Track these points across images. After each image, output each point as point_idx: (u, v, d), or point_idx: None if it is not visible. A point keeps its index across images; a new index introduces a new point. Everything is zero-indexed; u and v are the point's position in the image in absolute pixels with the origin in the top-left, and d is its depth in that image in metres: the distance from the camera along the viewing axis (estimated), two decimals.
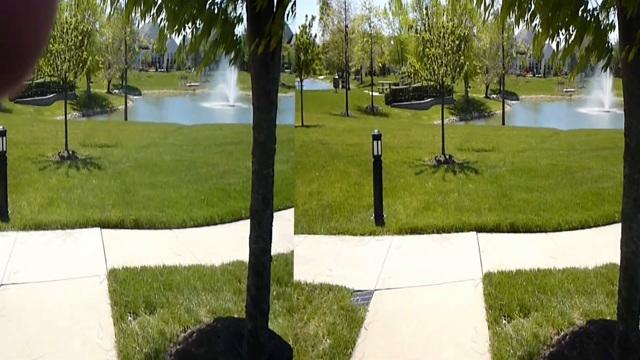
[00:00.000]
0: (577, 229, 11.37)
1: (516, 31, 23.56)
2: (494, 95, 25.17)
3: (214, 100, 23.85)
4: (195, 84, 25.45)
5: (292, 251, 9.70)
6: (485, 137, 18.60)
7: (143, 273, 8.32)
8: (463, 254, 10.13)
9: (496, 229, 11.29)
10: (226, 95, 23.96)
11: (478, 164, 15.46)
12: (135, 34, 21.27)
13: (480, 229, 11.25)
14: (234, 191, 12.56)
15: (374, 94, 23.07)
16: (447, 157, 15.80)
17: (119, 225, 10.14)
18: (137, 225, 10.21)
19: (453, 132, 18.17)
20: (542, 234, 11.15)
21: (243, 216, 11.75)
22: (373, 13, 23.85)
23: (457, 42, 15.58)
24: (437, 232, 11.17)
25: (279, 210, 10.46)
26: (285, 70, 26.25)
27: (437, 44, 15.70)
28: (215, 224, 11.20)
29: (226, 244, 10.02)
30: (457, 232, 11.16)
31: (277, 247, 7.94)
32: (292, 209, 11.76)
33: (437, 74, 15.60)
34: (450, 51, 15.57)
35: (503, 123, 22.98)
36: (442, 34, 15.57)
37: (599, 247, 10.22)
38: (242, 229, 11.02)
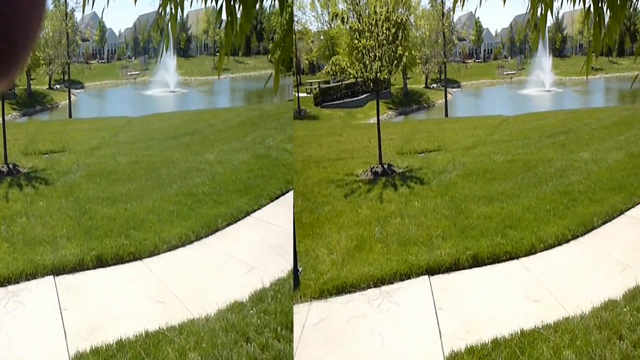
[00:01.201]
0: (553, 246, 8.43)
1: (455, 17, 19.65)
2: (434, 85, 21.15)
3: (155, 87, 19.93)
4: (136, 72, 21.46)
5: None
6: (429, 134, 14.79)
7: (120, 355, 4.83)
8: (409, 320, 6.84)
9: (454, 265, 7.86)
10: (166, 81, 20.03)
11: (423, 171, 11.64)
12: (75, 26, 17.33)
13: (433, 270, 7.78)
14: (202, 194, 8.99)
15: (301, 94, 19.04)
16: (386, 166, 11.71)
17: (78, 266, 6.52)
18: (100, 262, 6.66)
19: (392, 131, 14.62)
20: (514, 261, 8.03)
21: (220, 226, 7.92)
22: (297, 6, 19.74)
23: (392, 30, 11.68)
24: (375, 285, 7.44)
25: None
26: (217, 54, 22.22)
27: (369, 34, 11.86)
28: (191, 241, 7.49)
29: (212, 273, 7.81)
30: (403, 279, 7.59)
31: None
32: None
33: (370, 69, 11.67)
34: (385, 41, 11.66)
35: (446, 114, 18.83)
36: (374, 22, 11.75)
37: (586, 269, 7.85)
38: (222, 245, 7.70)
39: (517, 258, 7.85)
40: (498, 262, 7.76)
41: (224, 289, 6.81)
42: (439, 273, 7.55)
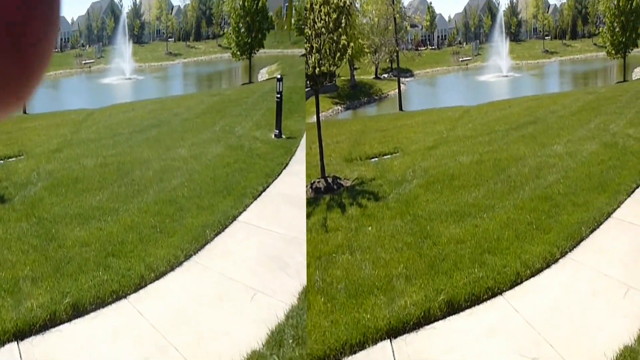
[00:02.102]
0: (541, 269, 6.28)
1: (406, 1, 17.18)
2: (385, 75, 17.60)
3: (111, 75, 17.23)
4: (91, 61, 18.71)
5: None
6: (382, 133, 11.61)
7: None
8: None
9: (424, 318, 5.47)
10: (122, 69, 17.37)
11: (377, 182, 8.67)
12: None
13: (396, 331, 5.33)
14: (183, 199, 6.80)
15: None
16: (330, 180, 8.77)
17: (49, 322, 4.28)
18: (75, 311, 4.40)
19: (338, 131, 11.70)
20: (498, 298, 5.79)
21: (209, 238, 5.59)
22: None
23: (333, 15, 8.75)
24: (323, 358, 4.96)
25: None
26: (169, 39, 19.70)
27: (306, 23, 9.29)
28: (181, 262, 5.24)
29: (213, 306, 5.86)
30: (355, 351, 5.06)
31: None
32: None
33: (307, 63, 9.13)
34: (324, 29, 8.77)
35: (400, 107, 15.28)
36: (309, 6, 9.09)
37: (586, 299, 5.81)
38: (216, 263, 5.79)
39: (501, 293, 5.85)
40: (478, 302, 5.71)
41: (231, 330, 4.85)
42: (403, 333, 5.32)
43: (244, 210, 7.83)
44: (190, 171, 8.84)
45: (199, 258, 6.43)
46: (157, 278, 5.87)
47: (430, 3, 20.42)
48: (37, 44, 0.42)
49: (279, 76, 11.03)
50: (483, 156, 9.62)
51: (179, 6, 21.65)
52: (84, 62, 20.40)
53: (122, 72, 19.69)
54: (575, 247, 6.66)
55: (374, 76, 16.97)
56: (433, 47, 19.36)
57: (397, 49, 15.96)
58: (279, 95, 10.93)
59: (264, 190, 8.52)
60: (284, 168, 9.46)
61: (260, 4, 18.00)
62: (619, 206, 7.71)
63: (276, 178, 9.04)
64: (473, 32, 19.17)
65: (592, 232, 7.05)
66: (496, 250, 6.52)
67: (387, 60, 17.34)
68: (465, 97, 16.67)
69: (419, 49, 19.30)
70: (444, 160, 9.47)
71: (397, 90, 15.64)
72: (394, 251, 6.61)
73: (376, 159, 9.91)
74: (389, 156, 10.04)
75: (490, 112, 13.25)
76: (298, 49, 21.94)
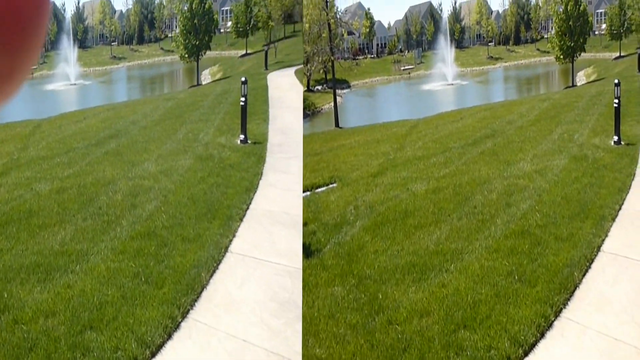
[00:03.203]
0: (535, 343, 4.19)
1: (341, 7, 14.78)
2: (319, 87, 14.55)
3: (56, 81, 14.20)
4: (33, 66, 14.71)
5: None
6: (315, 157, 8.73)
7: None
8: None
9: None
10: (67, 74, 14.41)
11: (310, 229, 6.10)
12: None
13: None
14: (163, 229, 4.36)
15: None
16: None
17: None
18: None
19: None
20: None
21: (205, 283, 2.97)
22: None
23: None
24: None
25: None
26: (112, 43, 16.76)
27: None
28: (178, 324, 2.82)
29: None
30: None
31: None
32: None
33: None
34: None
35: (337, 124, 12.21)
36: None
37: None
38: (219, 320, 3.83)
39: None
40: None
41: None
42: None
43: (234, 236, 5.82)
44: (164, 191, 6.70)
45: (199, 314, 4.42)
46: (153, 355, 3.81)
47: (369, 9, 18.01)
48: (25, 31, 0.33)
49: (243, 79, 8.96)
50: (440, 182, 7.31)
51: (122, 10, 19.16)
52: None
53: (67, 78, 16.89)
54: (568, 298, 4.75)
55: (306, 89, 14.07)
56: (372, 56, 16.99)
57: (332, 58, 13.36)
58: (243, 99, 8.84)
59: (248, 207, 6.52)
60: (261, 179, 7.45)
61: (207, 5, 15.60)
62: (607, 235, 5.85)
63: (256, 191, 7.02)
64: (415, 40, 17.06)
65: (584, 274, 5.17)
66: (474, 323, 4.44)
67: (321, 71, 14.84)
68: (410, 108, 14.45)
69: (357, 57, 16.84)
70: (394, 191, 7.04)
71: (332, 104, 12.76)
72: (331, 340, 4.28)
73: (307, 193, 7.14)
74: (323, 188, 7.37)
75: (442, 126, 10.78)
76: (235, 50, 19.56)
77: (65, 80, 16.29)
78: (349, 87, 14.47)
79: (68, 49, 17.20)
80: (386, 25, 18.09)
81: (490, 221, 6.04)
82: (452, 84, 15.39)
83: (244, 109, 8.93)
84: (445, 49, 15.66)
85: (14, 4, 0.36)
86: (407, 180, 7.46)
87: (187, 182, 7.04)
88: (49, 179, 7.24)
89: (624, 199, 6.67)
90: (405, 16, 17.91)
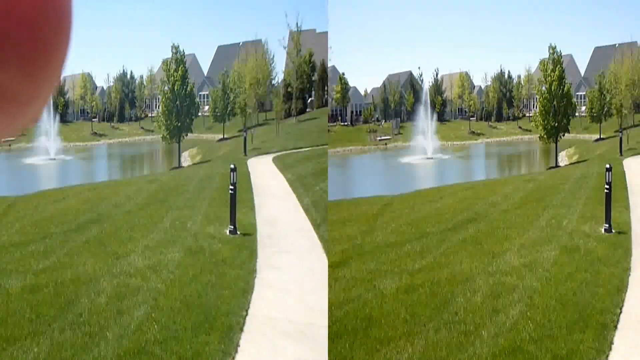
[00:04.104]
0: None
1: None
2: None
3: (35, 154, 12.56)
4: (11, 138, 13.54)
5: None
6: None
7: None
8: None
9: None
10: (47, 148, 12.85)
11: None
12: None
13: None
14: (156, 345, 2.83)
15: None
16: None
17: None
18: None
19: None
20: None
21: None
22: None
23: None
24: None
25: None
26: (93, 119, 15.42)
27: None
28: None
29: None
30: None
31: None
32: None
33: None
34: None
35: None
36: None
37: None
38: None
39: None
40: None
41: None
42: None
43: (236, 352, 4.55)
44: (154, 292, 5.40)
45: None
46: None
47: (343, 74, 16.48)
48: (51, 46, 0.27)
49: (232, 166, 7.89)
50: (415, 278, 5.84)
51: (103, 87, 18.09)
52: (3, 140, 15.72)
53: (46, 152, 15.36)
54: None
55: None
56: (345, 123, 15.43)
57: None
58: (232, 187, 7.72)
59: (247, 313, 5.28)
60: (256, 277, 6.24)
61: (188, 88, 14.71)
62: (610, 348, 4.61)
63: (253, 293, 5.80)
64: (393, 109, 15.54)
65: None
66: None
67: None
68: (386, 182, 12.93)
69: (329, 125, 15.40)
70: (357, 289, 5.58)
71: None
72: None
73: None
74: None
75: (419, 206, 9.26)
76: (212, 134, 18.56)
77: (45, 155, 14.78)
78: None
79: (48, 122, 15.81)
80: (362, 92, 16.41)
81: (474, 333, 4.65)
82: (432, 158, 13.77)
83: (233, 197, 7.81)
84: (425, 121, 14.18)
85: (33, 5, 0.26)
86: (374, 275, 5.91)
87: (179, 280, 5.76)
88: (21, 272, 5.80)
89: (624, 300, 5.73)
90: (384, 84, 16.39)
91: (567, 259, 6.48)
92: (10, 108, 0.28)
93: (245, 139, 13.93)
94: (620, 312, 5.31)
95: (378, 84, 17.47)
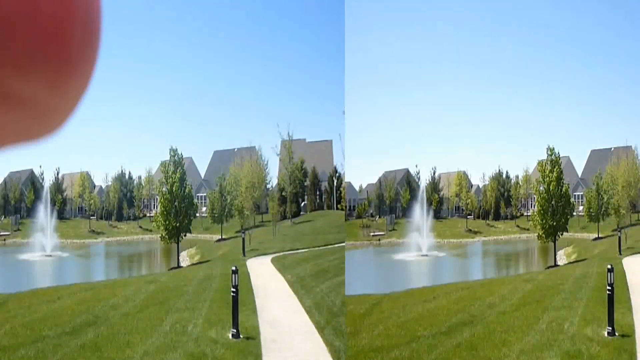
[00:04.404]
0: None
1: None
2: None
3: (30, 250, 11.97)
4: (6, 233, 13.40)
5: None
6: None
7: None
8: None
9: None
10: (42, 244, 12.23)
11: None
12: None
13: None
14: None
15: None
16: None
17: None
18: None
19: None
20: None
21: None
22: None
23: None
24: None
25: None
26: (91, 217, 15.07)
27: None
28: None
29: None
30: None
31: None
32: None
33: None
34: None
35: None
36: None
37: None
38: None
39: None
40: None
41: None
42: None
43: None
44: None
45: None
46: None
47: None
48: (78, 56, 0.26)
49: (234, 268, 7.46)
50: None
51: (101, 186, 18.28)
52: (18, 145, 15.46)
53: (42, 248, 14.78)
54: None
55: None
56: None
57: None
58: (234, 290, 7.23)
59: None
60: None
61: (187, 189, 14.57)
62: None
63: None
64: (388, 205, 15.24)
65: None
66: None
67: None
68: (379, 279, 12.19)
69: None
70: None
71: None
72: None
73: None
74: None
75: (410, 306, 8.47)
76: (209, 234, 18.22)
77: (41, 251, 14.26)
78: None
79: (45, 219, 15.47)
80: (357, 188, 16.07)
81: None
82: (427, 255, 13.14)
83: (235, 300, 7.29)
84: (421, 218, 13.63)
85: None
86: None
87: None
88: None
89: None
90: (379, 180, 16.13)
91: None
92: (30, 117, 0.26)
93: (243, 240, 13.58)
94: None
95: (373, 180, 17.33)
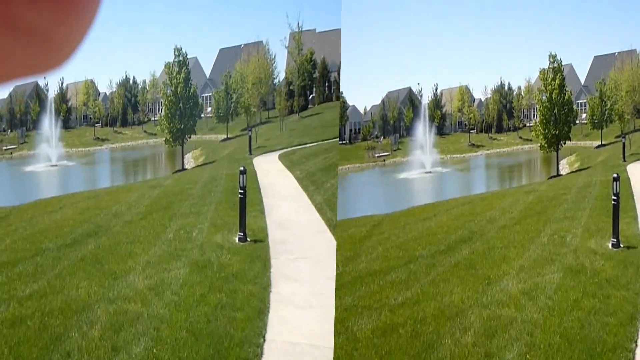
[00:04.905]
0: None
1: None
2: None
3: (36, 162, 11.27)
4: (12, 146, 12.59)
5: None
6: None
7: None
8: None
9: None
10: (48, 155, 11.54)
11: None
12: None
13: None
14: None
15: None
16: None
17: None
18: None
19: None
20: None
21: None
22: None
23: None
24: None
25: None
26: (96, 125, 15.63)
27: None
28: None
29: None
30: None
31: None
32: None
33: None
34: None
35: None
36: None
37: None
38: None
39: None
40: None
41: None
42: None
43: None
44: (155, 320, 4.40)
45: None
46: None
47: (342, 93, 15.73)
48: None
49: (242, 168, 6.86)
50: (395, 315, 4.87)
51: (105, 93, 16.94)
52: (5, 147, 14.82)
53: (48, 159, 14.36)
54: None
55: None
56: (343, 142, 14.32)
57: None
58: (242, 192, 6.69)
59: (264, 340, 4.29)
60: (271, 291, 5.25)
61: (191, 90, 13.65)
62: None
63: (269, 313, 4.80)
64: (392, 126, 14.68)
65: None
66: None
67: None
68: (383, 199, 11.78)
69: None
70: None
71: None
72: None
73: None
74: None
75: (410, 225, 8.16)
76: (215, 134, 17.55)
77: (46, 161, 13.86)
78: None
79: (50, 130, 14.96)
80: (362, 111, 15.71)
81: None
82: (431, 172, 12.86)
83: (242, 202, 6.79)
84: (424, 136, 13.44)
85: None
86: (349, 313, 4.86)
87: (184, 303, 4.78)
88: (4, 300, 4.79)
89: (639, 330, 4.51)
90: (383, 101, 15.65)
91: (572, 282, 5.39)
92: (39, 49, 0.26)
93: (250, 137, 12.94)
94: (636, 347, 4.26)
95: (377, 101, 16.38)
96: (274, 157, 12.20)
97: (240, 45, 21.96)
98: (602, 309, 4.81)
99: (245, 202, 6.82)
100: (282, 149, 13.82)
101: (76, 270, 5.63)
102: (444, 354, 4.19)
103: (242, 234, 6.84)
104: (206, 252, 6.17)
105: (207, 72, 24.40)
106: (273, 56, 19.17)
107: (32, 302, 4.87)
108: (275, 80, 20.98)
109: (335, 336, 4.49)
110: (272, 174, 10.47)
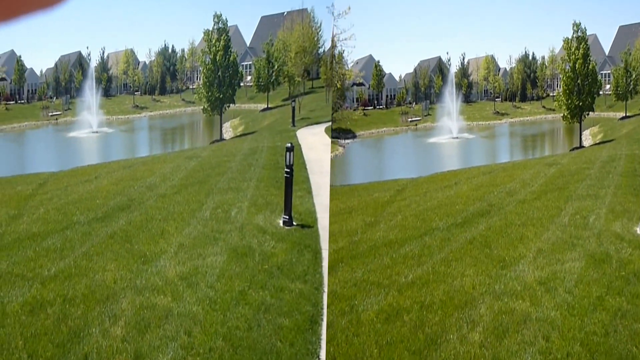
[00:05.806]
0: None
1: (353, 58, 12.87)
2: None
3: (78, 128, 10.85)
4: (58, 113, 12.13)
5: None
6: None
7: None
8: None
9: None
10: (89, 121, 10.93)
11: None
12: None
13: None
14: None
15: None
16: None
17: None
18: None
19: None
20: None
21: None
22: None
23: None
24: None
25: None
26: (135, 93, 15.77)
27: None
28: None
29: None
30: None
31: None
32: None
33: None
34: None
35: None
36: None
37: None
38: None
39: None
40: None
41: None
42: None
43: None
44: (187, 321, 3.72)
45: None
46: None
47: (379, 61, 15.61)
48: None
49: (289, 145, 6.05)
50: (403, 296, 4.40)
51: (145, 62, 16.85)
52: (50, 114, 14.66)
53: (89, 125, 14.37)
54: None
55: None
56: (381, 107, 14.42)
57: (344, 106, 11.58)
58: (288, 170, 5.90)
59: (318, 343, 3.56)
60: (323, 291, 4.49)
61: (231, 58, 12.89)
62: None
63: (322, 320, 4.06)
64: (423, 92, 14.87)
65: None
66: None
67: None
68: (412, 162, 11.77)
69: (366, 108, 14.40)
70: (331, 311, 4.27)
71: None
72: None
73: None
74: None
75: (431, 193, 7.76)
76: (254, 103, 16.78)
77: (88, 128, 13.80)
78: (354, 137, 12.39)
79: (91, 97, 15.02)
80: (397, 78, 16.02)
81: None
82: (457, 138, 13.15)
83: (289, 182, 5.98)
84: (451, 103, 13.54)
85: None
86: (357, 289, 4.41)
87: (221, 300, 4.08)
88: (27, 279, 4.22)
89: None
90: (415, 70, 15.95)
91: (595, 274, 4.60)
92: None
93: (293, 108, 12.14)
94: None
95: (410, 69, 16.63)
96: (320, 129, 11.36)
97: (284, 12, 20.85)
98: (631, 311, 4.01)
99: (292, 182, 6.02)
100: (329, 121, 13.01)
101: (104, 249, 5.03)
102: (448, 354, 3.60)
103: (287, 217, 6.06)
104: (246, 237, 5.44)
105: (248, 41, 23.45)
106: (319, 24, 18.18)
107: (56, 285, 4.29)
108: (320, 50, 19.82)
109: (339, 316, 3.97)
110: (319, 149, 9.60)
